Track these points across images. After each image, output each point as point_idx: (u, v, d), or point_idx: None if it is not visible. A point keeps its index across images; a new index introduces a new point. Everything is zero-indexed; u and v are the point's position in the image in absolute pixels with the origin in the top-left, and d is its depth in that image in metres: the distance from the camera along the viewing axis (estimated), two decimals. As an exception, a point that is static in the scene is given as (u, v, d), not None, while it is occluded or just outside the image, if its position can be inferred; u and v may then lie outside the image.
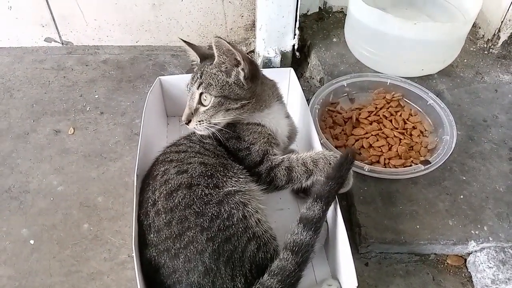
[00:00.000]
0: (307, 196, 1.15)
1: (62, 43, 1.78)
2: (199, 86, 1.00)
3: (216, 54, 0.98)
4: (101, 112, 1.49)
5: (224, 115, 1.01)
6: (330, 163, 1.00)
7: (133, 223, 0.94)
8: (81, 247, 1.14)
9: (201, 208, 0.88)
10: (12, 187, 1.27)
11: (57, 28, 1.73)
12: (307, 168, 1.01)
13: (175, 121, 1.45)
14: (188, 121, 1.02)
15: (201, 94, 1.00)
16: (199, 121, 1.01)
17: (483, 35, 1.68)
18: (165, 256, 0.87)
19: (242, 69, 0.99)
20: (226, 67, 0.99)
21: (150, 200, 0.94)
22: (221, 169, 0.97)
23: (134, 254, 0.90)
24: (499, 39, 1.63)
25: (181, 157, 1.01)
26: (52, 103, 1.53)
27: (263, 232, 0.91)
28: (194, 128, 1.02)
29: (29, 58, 1.72)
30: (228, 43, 0.95)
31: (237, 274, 0.85)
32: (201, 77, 1.00)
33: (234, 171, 0.98)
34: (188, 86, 1.04)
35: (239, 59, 0.98)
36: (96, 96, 1.55)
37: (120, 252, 1.13)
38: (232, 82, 1.00)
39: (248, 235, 0.89)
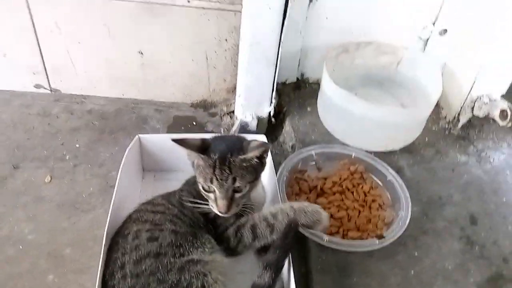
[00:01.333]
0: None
1: (51, 90, 1.87)
2: (234, 181, 1.07)
3: (251, 153, 1.08)
4: (79, 162, 1.55)
5: (252, 192, 1.14)
6: (287, 214, 1.10)
7: (97, 282, 0.98)
8: (44, 299, 1.16)
9: (163, 275, 0.94)
10: (-18, 232, 1.30)
11: (47, 76, 1.82)
12: (268, 222, 1.10)
13: (150, 175, 1.52)
14: (226, 211, 1.09)
15: (238, 186, 1.08)
16: (237, 206, 1.10)
17: (445, 116, 1.82)
18: None
19: (267, 155, 1.15)
20: (252, 161, 1.10)
21: (118, 262, 0.99)
22: (191, 238, 1.04)
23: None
24: (459, 122, 1.77)
25: (156, 218, 1.08)
26: (34, 149, 1.59)
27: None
28: (230, 213, 1.10)
29: (17, 102, 1.79)
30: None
31: None
32: (231, 172, 1.07)
33: (203, 241, 1.05)
34: (213, 183, 1.07)
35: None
36: (77, 146, 1.62)
37: (81, 306, 1.15)
38: (258, 165, 1.12)
39: None
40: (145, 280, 0.93)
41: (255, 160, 1.10)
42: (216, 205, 1.09)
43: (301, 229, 1.14)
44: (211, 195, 1.10)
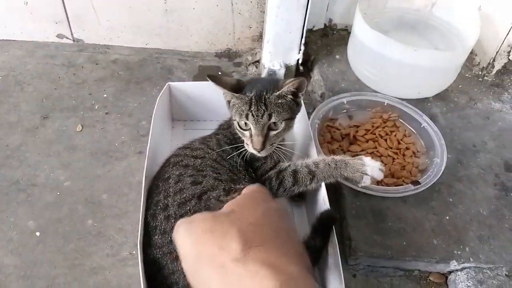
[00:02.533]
0: (302, 200, 1.25)
1: (74, 40, 1.83)
2: (270, 117, 1.07)
3: (286, 87, 1.06)
4: (109, 112, 1.55)
5: (286, 133, 1.14)
6: (329, 165, 1.10)
7: (140, 223, 1.00)
8: (85, 242, 1.20)
9: None
10: (21, 180, 1.32)
11: (69, 26, 1.78)
12: (310, 169, 1.11)
13: (180, 125, 1.51)
14: (261, 148, 1.08)
15: (273, 123, 1.08)
16: (271, 145, 1.10)
17: (479, 63, 1.76)
18: (167, 258, 0.93)
19: (302, 94, 1.12)
20: (287, 97, 1.09)
21: (160, 204, 1.00)
22: (232, 185, 1.04)
23: (139, 252, 0.95)
24: (493, 68, 1.71)
25: (197, 163, 1.09)
26: (62, 99, 1.58)
27: None
28: (264, 152, 1.09)
29: (41, 53, 1.77)
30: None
31: None
32: (267, 108, 1.06)
33: (241, 186, 1.05)
34: (249, 119, 1.07)
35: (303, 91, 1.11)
36: (105, 95, 1.61)
37: (122, 249, 1.18)
38: (293, 104, 1.11)
39: None
40: None
41: (290, 97, 1.09)
42: (251, 142, 1.09)
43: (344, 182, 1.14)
44: (247, 133, 1.10)
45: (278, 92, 1.07)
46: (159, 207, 1.00)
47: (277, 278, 0.61)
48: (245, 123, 1.09)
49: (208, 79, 1.08)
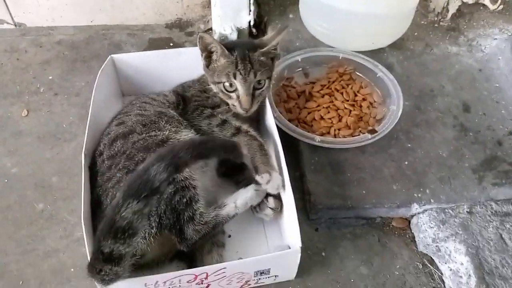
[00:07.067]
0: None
1: (15, 25, 1.74)
2: (255, 75, 1.08)
3: (274, 41, 1.10)
4: (55, 93, 1.48)
5: (266, 92, 1.16)
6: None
7: (82, 201, 0.96)
8: (37, 227, 1.15)
9: (131, 153, 0.98)
10: (-35, 170, 1.26)
11: (8, 10, 1.69)
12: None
13: (130, 100, 1.45)
14: (250, 108, 1.10)
15: (258, 81, 1.09)
16: (257, 103, 1.12)
17: (434, 9, 1.73)
18: (104, 195, 0.97)
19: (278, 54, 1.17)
20: (270, 54, 1.12)
21: (97, 151, 1.07)
22: (155, 118, 1.07)
23: (84, 230, 0.91)
24: (448, 12, 1.68)
25: (126, 109, 1.16)
26: (5, 85, 1.51)
27: (183, 179, 0.95)
28: (250, 112, 1.11)
29: (-20, 41, 1.68)
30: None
31: (152, 214, 0.90)
32: (253, 66, 1.07)
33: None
34: (237, 78, 1.08)
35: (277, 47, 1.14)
36: (50, 77, 1.54)
37: (76, 230, 1.14)
38: (271, 64, 1.14)
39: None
40: (118, 159, 0.98)
41: (273, 52, 1.13)
42: (239, 103, 1.09)
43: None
44: (233, 94, 1.10)
45: (265, 49, 1.09)
46: (96, 154, 1.06)
47: None
48: (230, 84, 1.09)
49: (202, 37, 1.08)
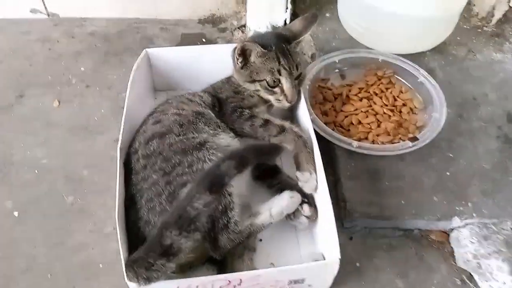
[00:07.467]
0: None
1: (48, 15, 1.74)
2: (297, 68, 1.09)
3: (306, 33, 1.11)
4: (86, 85, 1.46)
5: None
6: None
7: (116, 197, 0.93)
8: (66, 220, 1.13)
9: (168, 155, 0.97)
10: (-4, 159, 1.25)
11: (43, 0, 1.68)
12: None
13: (163, 96, 1.42)
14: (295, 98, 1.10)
15: (300, 73, 1.11)
16: (298, 94, 1.13)
17: (477, 13, 1.66)
18: (138, 195, 0.95)
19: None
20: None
21: (133, 149, 1.05)
22: (193, 119, 1.05)
23: (117, 227, 0.89)
24: (493, 17, 1.61)
25: (164, 108, 1.13)
26: (37, 75, 1.50)
27: None
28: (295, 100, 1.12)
29: (13, 29, 1.67)
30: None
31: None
32: (293, 59, 1.09)
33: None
34: (282, 74, 1.07)
35: None
36: (82, 69, 1.52)
37: (106, 225, 1.12)
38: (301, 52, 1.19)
39: None
40: (154, 159, 0.97)
41: (302, 43, 1.14)
42: (284, 96, 1.09)
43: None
44: (277, 89, 1.09)
45: (298, 39, 1.10)
46: (132, 151, 1.04)
47: None
48: (273, 81, 1.08)
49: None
